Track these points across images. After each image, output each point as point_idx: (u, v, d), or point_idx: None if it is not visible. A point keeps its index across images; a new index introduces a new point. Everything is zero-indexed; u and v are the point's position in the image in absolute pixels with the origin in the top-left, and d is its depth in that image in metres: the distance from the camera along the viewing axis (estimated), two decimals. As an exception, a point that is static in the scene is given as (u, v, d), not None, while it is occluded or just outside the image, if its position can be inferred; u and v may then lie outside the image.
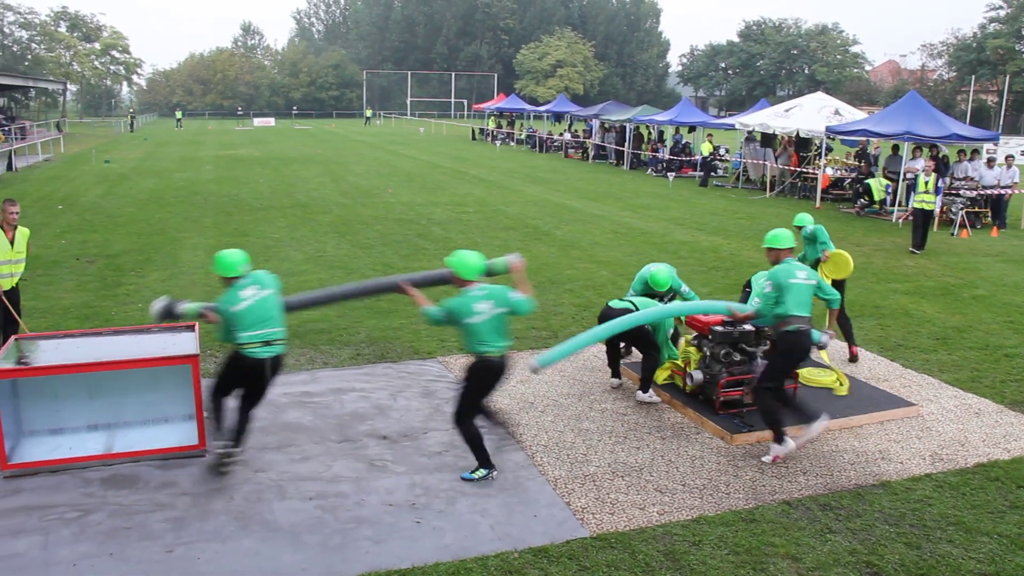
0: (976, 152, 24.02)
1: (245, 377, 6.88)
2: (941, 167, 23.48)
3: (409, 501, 6.67)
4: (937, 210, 18.95)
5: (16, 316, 9.22)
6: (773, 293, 7.48)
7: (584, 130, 45.83)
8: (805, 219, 10.76)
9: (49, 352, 7.57)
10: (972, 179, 22.82)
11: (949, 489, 7.01)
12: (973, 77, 65.98)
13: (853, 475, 7.27)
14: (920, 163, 21.67)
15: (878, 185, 23.30)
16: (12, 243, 9.23)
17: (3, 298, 9.08)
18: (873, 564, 5.88)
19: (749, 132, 30.90)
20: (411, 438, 7.90)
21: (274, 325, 6.88)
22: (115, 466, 7.14)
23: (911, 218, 18.39)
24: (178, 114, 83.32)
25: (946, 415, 8.72)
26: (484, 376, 6.90)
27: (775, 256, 7.78)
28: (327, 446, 7.67)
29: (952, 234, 20.32)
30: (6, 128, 41.87)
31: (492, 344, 6.80)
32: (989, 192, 22.23)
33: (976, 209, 22.10)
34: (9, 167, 31.98)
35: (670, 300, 9.55)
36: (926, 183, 17.91)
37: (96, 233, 18.20)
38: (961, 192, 21.89)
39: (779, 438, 7.49)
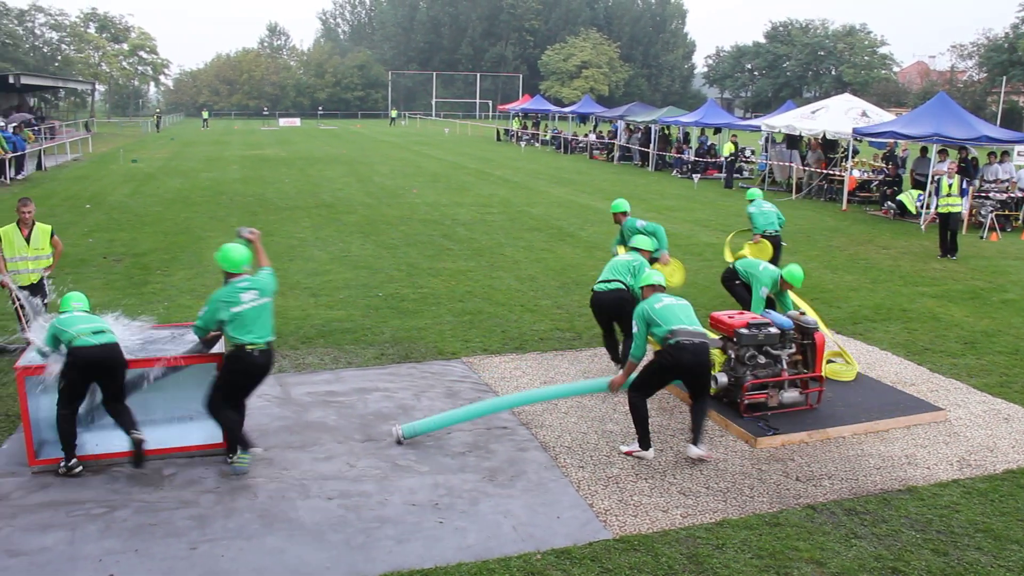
0: (1007, 154, 23.73)
1: (91, 372, 6.90)
2: (970, 169, 23.23)
3: (432, 501, 6.68)
4: (964, 212, 18.47)
5: (20, 313, 9.45)
6: (642, 331, 7.55)
7: (609, 131, 45.75)
8: (754, 193, 13.36)
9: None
10: (1002, 181, 22.55)
11: (977, 495, 6.92)
12: (1004, 78, 65.29)
13: (879, 480, 7.21)
14: (945, 166, 21.40)
15: (910, 199, 22.99)
16: (28, 240, 9.68)
17: (13, 294, 9.39)
18: (899, 570, 5.81)
19: (768, 134, 30.74)
20: (434, 438, 7.90)
21: (101, 323, 7.06)
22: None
23: (936, 221, 18.03)
24: (205, 114, 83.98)
25: (974, 420, 8.62)
26: (242, 368, 6.95)
27: (644, 293, 7.91)
28: (351, 445, 7.70)
29: (981, 237, 20.09)
30: (36, 128, 42.34)
31: (255, 335, 6.88)
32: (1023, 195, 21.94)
33: (1006, 212, 21.84)
34: (38, 166, 32.35)
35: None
36: (949, 186, 17.52)
37: (123, 232, 18.36)
38: (991, 195, 21.64)
39: (642, 442, 7.60)
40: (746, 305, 10.30)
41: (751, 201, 13.23)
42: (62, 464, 7.01)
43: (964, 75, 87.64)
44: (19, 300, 9.27)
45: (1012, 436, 8.20)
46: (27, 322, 9.03)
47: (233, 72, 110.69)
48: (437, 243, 17.61)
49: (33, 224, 9.76)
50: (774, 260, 12.55)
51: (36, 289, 9.81)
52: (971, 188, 22.17)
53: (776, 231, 13.14)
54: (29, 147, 32.00)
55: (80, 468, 7.04)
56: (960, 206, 17.60)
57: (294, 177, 30.46)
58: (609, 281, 9.37)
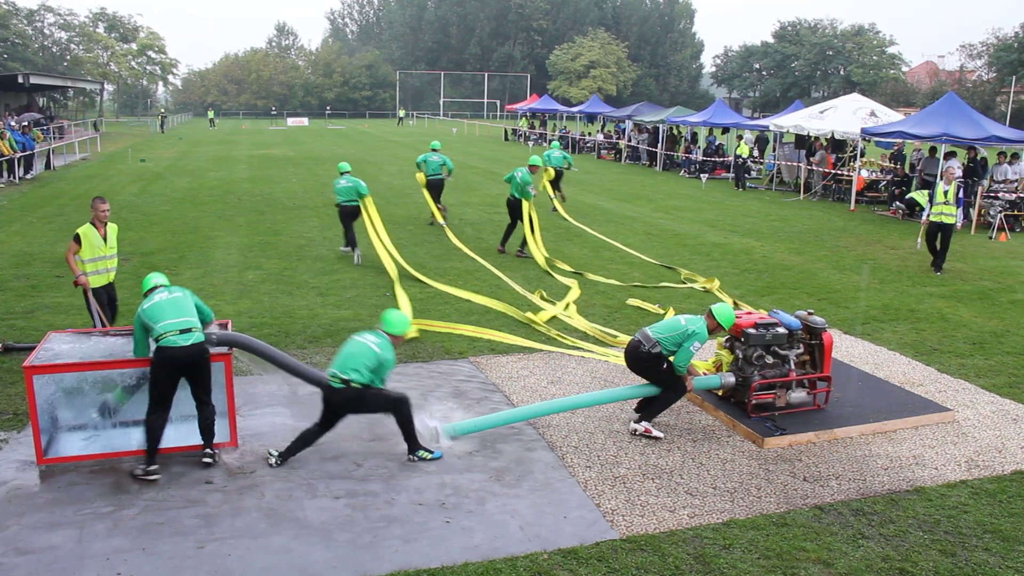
0: (1016, 155, 23.64)
1: None
2: (979, 169, 23.12)
3: (439, 501, 6.68)
4: (959, 224, 16.45)
5: (100, 312, 9.57)
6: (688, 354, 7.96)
7: (617, 131, 45.70)
8: (435, 144, 20.13)
9: (86, 349, 7.65)
10: (1011, 181, 22.46)
11: (986, 496, 6.90)
12: (1014, 78, 64.90)
13: (886, 480, 7.18)
14: (955, 164, 21.20)
15: (922, 197, 22.83)
16: (105, 239, 9.67)
17: (88, 293, 9.49)
18: (907, 571, 5.80)
19: (761, 133, 30.79)
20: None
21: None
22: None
23: (926, 226, 16.06)
24: (211, 113, 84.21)
25: (983, 421, 8.59)
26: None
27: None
28: (357, 444, 7.70)
29: (990, 237, 20.02)
30: (45, 127, 42.49)
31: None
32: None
33: (1015, 212, 21.73)
34: (47, 166, 32.46)
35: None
36: (945, 193, 15.62)
37: (131, 231, 18.39)
38: (1000, 195, 21.55)
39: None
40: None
41: (433, 150, 19.75)
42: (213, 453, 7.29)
43: (973, 75, 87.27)
44: (92, 305, 9.47)
45: (1021, 437, 8.16)
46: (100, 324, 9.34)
47: (241, 72, 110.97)
48: (444, 243, 17.61)
49: (106, 223, 9.74)
50: (435, 196, 19.69)
51: (110, 289, 9.83)
52: (979, 188, 22.10)
53: (438, 175, 19.66)
54: (38, 146, 32.12)
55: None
56: (954, 216, 15.72)
57: (302, 176, 30.51)
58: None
